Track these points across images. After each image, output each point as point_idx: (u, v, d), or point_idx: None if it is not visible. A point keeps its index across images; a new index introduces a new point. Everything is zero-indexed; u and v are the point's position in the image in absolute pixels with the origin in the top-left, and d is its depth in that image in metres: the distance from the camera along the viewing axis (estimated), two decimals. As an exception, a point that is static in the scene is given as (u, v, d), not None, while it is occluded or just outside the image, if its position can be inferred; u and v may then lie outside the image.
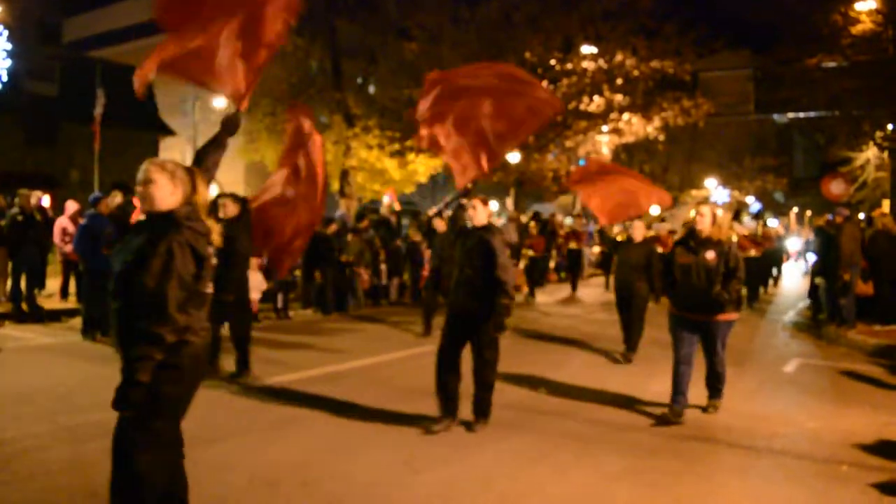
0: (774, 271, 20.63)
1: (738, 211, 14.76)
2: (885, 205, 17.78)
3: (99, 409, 6.14)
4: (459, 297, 5.80)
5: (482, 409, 5.87)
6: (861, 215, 17.99)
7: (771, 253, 17.88)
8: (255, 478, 4.66)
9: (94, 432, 5.50)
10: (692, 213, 6.23)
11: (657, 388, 7.51)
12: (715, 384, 6.65)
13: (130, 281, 3.12)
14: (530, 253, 16.21)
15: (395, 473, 4.83)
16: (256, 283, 11.71)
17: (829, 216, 12.86)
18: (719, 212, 6.39)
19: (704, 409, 6.58)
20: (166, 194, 3.27)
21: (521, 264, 16.21)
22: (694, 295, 6.17)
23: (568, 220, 20.89)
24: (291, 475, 4.73)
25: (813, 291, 13.48)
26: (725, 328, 6.34)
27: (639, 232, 9.20)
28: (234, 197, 7.68)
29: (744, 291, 13.25)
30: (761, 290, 17.42)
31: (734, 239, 15.58)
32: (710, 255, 6.09)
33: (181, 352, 3.14)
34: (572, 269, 18.15)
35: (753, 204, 42.00)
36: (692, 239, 6.28)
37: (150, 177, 3.27)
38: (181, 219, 3.22)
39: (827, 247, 11.94)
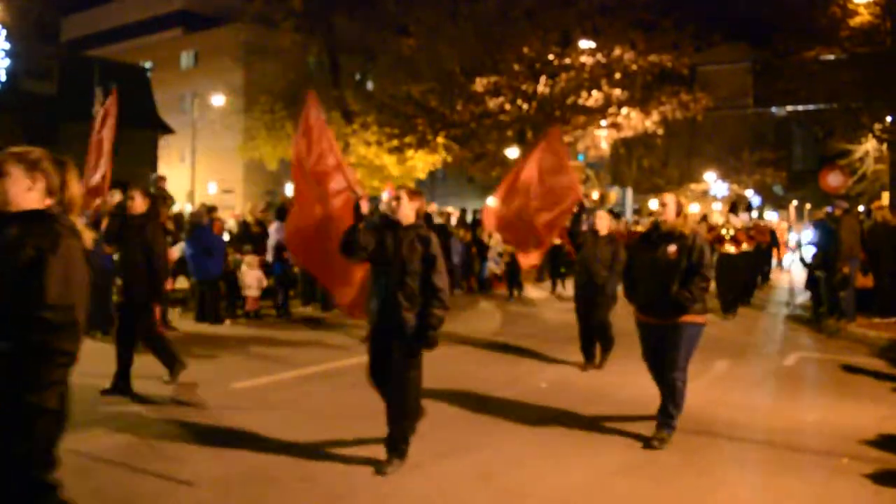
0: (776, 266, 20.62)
1: (734, 203, 14.20)
2: (885, 197, 17.79)
3: (99, 408, 6.15)
4: (387, 307, 4.84)
5: (397, 444, 4.81)
6: (860, 208, 18.02)
7: (764, 248, 17.21)
8: (254, 473, 4.67)
9: (93, 431, 5.52)
10: (658, 204, 5.61)
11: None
12: (667, 409, 5.47)
13: None
14: (510, 249, 15.40)
15: (396, 469, 4.83)
16: (256, 281, 11.74)
17: (827, 209, 12.85)
18: (699, 205, 6.06)
19: (647, 444, 5.39)
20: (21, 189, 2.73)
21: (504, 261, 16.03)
22: (653, 295, 5.42)
23: None
24: (291, 471, 4.74)
25: (813, 284, 13.48)
26: (689, 333, 5.38)
27: (603, 223, 8.06)
28: (144, 191, 7.09)
29: (720, 295, 12.66)
30: (760, 285, 17.19)
31: (704, 231, 13.45)
32: (671, 249, 5.34)
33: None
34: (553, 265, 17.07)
35: (753, 197, 42.01)
36: (654, 232, 5.61)
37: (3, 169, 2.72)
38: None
39: (826, 239, 11.94)
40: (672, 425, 5.43)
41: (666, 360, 5.42)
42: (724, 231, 12.86)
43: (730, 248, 12.73)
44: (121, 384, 6.56)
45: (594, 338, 8.15)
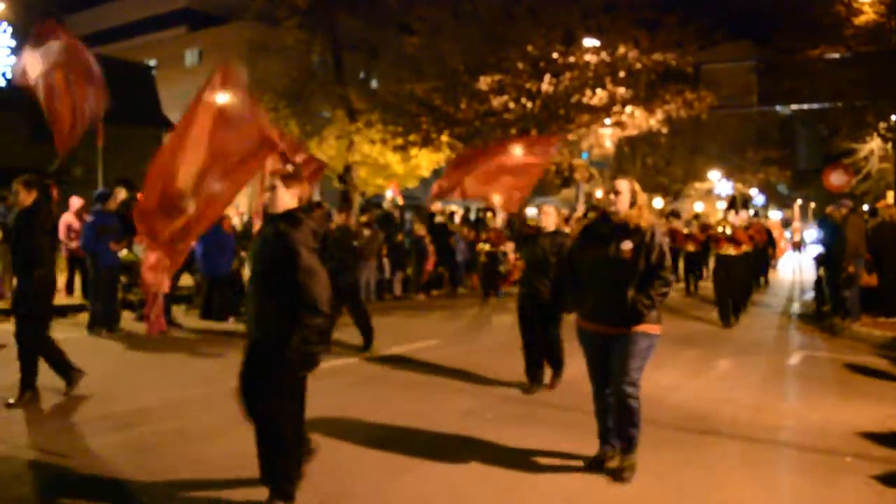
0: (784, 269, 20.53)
1: (733, 200, 13.29)
2: (889, 196, 17.77)
3: (105, 404, 6.18)
4: (251, 319, 4.21)
5: (278, 485, 4.08)
6: (865, 207, 18.00)
7: (761, 248, 16.38)
8: (255, 472, 4.69)
9: (100, 427, 5.54)
10: (608, 192, 4.72)
11: (665, 380, 7.53)
12: (627, 432, 4.69)
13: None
14: (487, 248, 14.90)
15: (398, 466, 4.85)
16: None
17: (831, 207, 12.83)
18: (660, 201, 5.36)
19: (615, 475, 4.70)
20: None
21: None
22: (602, 299, 4.62)
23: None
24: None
25: (818, 283, 13.47)
26: (644, 345, 4.62)
27: (550, 219, 6.88)
28: (26, 182, 6.25)
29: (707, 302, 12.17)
30: (758, 285, 16.94)
31: (661, 225, 12.52)
32: (626, 246, 4.54)
33: None
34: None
35: (758, 196, 41.97)
36: (604, 225, 4.72)
37: None
38: None
39: (831, 238, 11.93)
40: (636, 444, 4.70)
41: (616, 374, 4.63)
42: (720, 230, 11.79)
43: (728, 250, 11.63)
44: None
45: (541, 357, 7.02)
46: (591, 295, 4.69)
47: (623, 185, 4.67)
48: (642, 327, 4.59)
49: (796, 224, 28.22)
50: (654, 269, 4.55)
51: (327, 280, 3.85)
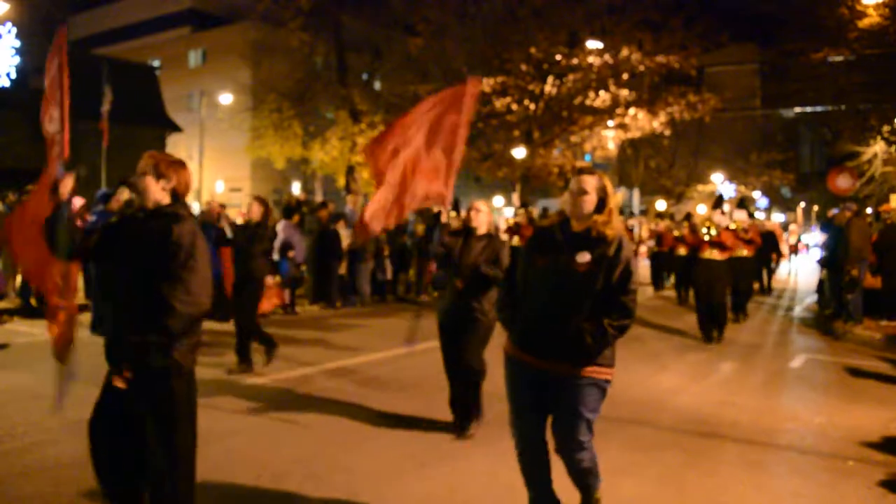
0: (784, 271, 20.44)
1: (719, 198, 11.40)
2: (893, 199, 17.73)
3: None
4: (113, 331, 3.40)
5: None
6: (868, 210, 17.97)
7: (761, 252, 14.87)
8: (262, 471, 4.69)
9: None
10: (573, 188, 3.60)
11: (667, 383, 7.54)
12: (585, 482, 3.73)
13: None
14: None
15: (401, 467, 4.85)
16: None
17: (833, 210, 12.79)
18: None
19: None
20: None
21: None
22: (542, 324, 3.52)
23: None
24: (298, 469, 4.76)
25: (820, 286, 13.47)
26: (588, 395, 3.52)
27: (482, 217, 5.77)
28: None
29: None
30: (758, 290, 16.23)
31: (640, 232, 12.21)
32: (582, 258, 3.47)
33: None
34: None
35: (760, 199, 41.92)
36: (560, 231, 3.61)
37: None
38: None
39: (835, 241, 11.92)
40: (598, 485, 3.76)
41: (560, 435, 3.58)
42: (703, 231, 10.39)
43: (712, 254, 10.22)
44: None
45: (464, 388, 5.75)
46: (532, 316, 3.56)
47: (590, 182, 3.54)
48: (592, 370, 3.49)
49: (793, 227, 28.09)
50: (615, 292, 3.43)
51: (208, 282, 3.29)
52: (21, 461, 4.76)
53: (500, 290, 3.96)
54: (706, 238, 10.26)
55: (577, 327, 3.42)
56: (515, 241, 15.20)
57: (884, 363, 9.08)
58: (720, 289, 10.27)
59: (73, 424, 5.58)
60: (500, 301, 3.86)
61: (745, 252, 11.94)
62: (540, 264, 3.58)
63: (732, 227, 11.28)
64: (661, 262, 17.64)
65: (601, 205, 3.52)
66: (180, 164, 3.52)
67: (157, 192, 3.41)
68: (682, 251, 14.74)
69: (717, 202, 11.30)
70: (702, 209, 28.58)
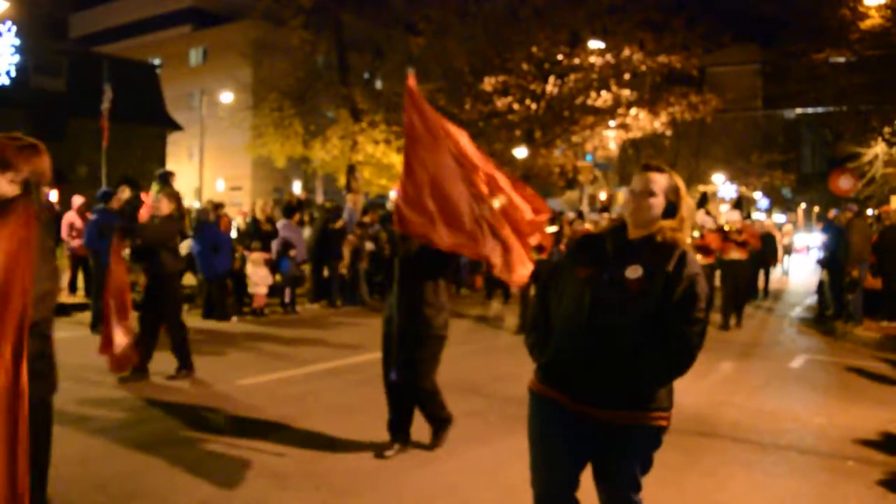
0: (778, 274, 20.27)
1: (703, 196, 10.34)
2: (893, 200, 17.74)
3: (107, 403, 6.19)
4: None
5: None
6: (869, 211, 17.97)
7: (758, 255, 14.31)
8: (262, 470, 4.69)
9: (101, 426, 5.55)
10: (635, 186, 2.89)
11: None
12: None
13: None
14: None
15: (402, 465, 4.85)
16: (263, 278, 11.77)
17: (833, 211, 12.77)
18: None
19: None
20: None
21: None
22: (582, 357, 2.79)
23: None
24: (299, 467, 4.76)
25: (820, 287, 13.46)
26: (643, 443, 2.86)
27: None
28: None
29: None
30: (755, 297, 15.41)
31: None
32: (633, 273, 2.76)
33: None
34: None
35: (761, 200, 41.91)
36: (613, 238, 2.91)
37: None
38: None
39: (835, 242, 11.91)
40: None
41: (612, 476, 2.91)
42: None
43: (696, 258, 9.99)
44: None
45: (409, 409, 5.16)
46: (563, 346, 2.83)
47: (658, 181, 2.84)
48: (639, 415, 2.76)
49: (788, 227, 27.90)
50: (674, 318, 2.70)
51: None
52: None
53: (532, 311, 3.12)
54: (687, 241, 9.58)
55: (624, 361, 2.69)
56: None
57: (883, 364, 9.08)
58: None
59: (71, 423, 5.59)
60: (530, 323, 3.11)
61: (736, 254, 11.38)
62: (581, 277, 2.83)
63: (726, 227, 10.85)
64: None
65: (671, 210, 2.82)
66: (32, 150, 2.86)
67: (2, 186, 2.75)
68: None
69: (701, 201, 10.58)
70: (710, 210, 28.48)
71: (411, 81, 4.84)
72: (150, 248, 7.09)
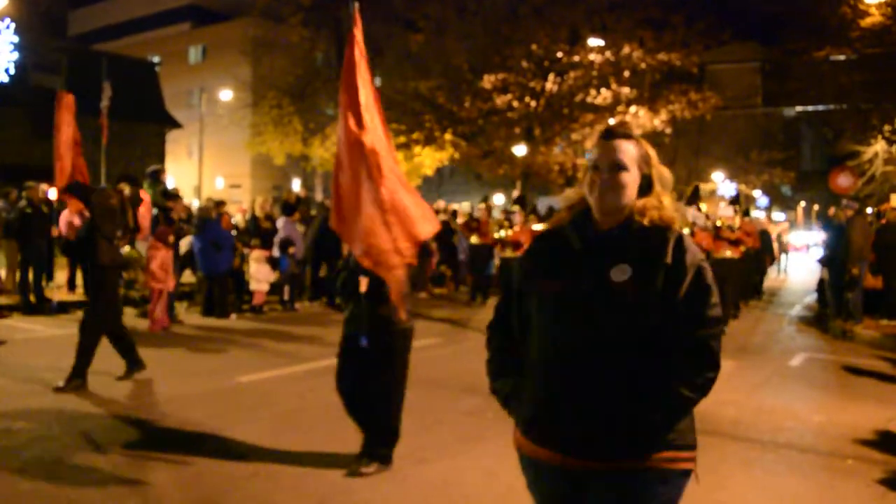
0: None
1: (695, 190, 9.59)
2: (894, 199, 17.72)
3: (108, 400, 6.18)
4: None
5: None
6: (869, 209, 17.96)
7: (755, 254, 13.79)
8: (260, 467, 4.69)
9: (101, 422, 5.55)
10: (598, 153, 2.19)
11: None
12: None
13: None
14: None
15: (401, 464, 4.84)
16: (264, 275, 11.77)
17: (835, 209, 12.74)
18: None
19: None
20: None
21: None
22: (571, 398, 2.10)
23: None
24: (296, 465, 4.76)
25: (820, 285, 13.45)
26: (663, 491, 2.30)
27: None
28: None
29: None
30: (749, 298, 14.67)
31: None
32: (619, 274, 2.07)
33: None
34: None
35: (761, 198, 41.89)
36: (578, 232, 2.20)
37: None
38: None
39: (836, 240, 11.90)
40: None
41: None
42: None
43: None
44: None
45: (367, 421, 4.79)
46: (543, 386, 2.15)
47: (626, 150, 2.15)
48: (658, 457, 2.19)
49: (784, 224, 27.79)
50: (684, 323, 2.07)
51: None
52: (20, 457, 4.75)
53: (492, 343, 2.38)
54: None
55: (628, 395, 2.03)
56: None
57: (883, 362, 9.07)
58: None
59: (71, 420, 5.58)
60: (491, 363, 2.38)
61: (728, 253, 10.85)
62: (548, 293, 2.13)
63: (718, 224, 10.55)
64: None
65: (645, 185, 2.15)
66: None
67: None
68: None
69: (692, 197, 9.79)
70: (702, 207, 28.50)
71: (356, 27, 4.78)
72: (87, 240, 6.65)
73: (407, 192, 4.62)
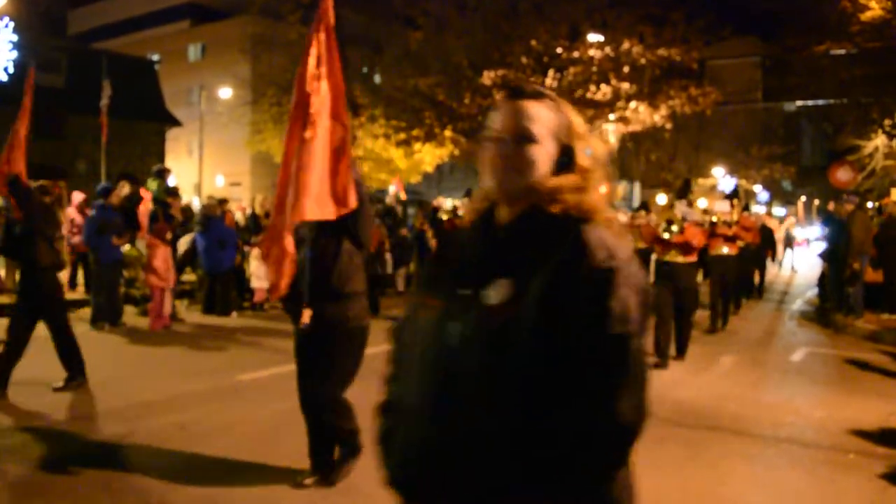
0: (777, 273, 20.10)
1: (685, 184, 9.23)
2: (894, 193, 17.70)
3: (108, 398, 6.19)
4: None
5: None
6: (869, 204, 17.96)
7: (754, 251, 13.32)
8: (262, 465, 4.69)
9: (102, 420, 5.55)
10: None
11: (668, 376, 7.53)
12: None
13: None
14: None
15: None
16: (264, 273, 11.77)
17: (835, 203, 12.73)
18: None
19: None
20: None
21: None
22: (432, 462, 1.48)
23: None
24: (298, 462, 4.76)
25: (821, 279, 13.45)
26: None
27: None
28: None
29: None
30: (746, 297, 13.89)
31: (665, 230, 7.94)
32: (497, 294, 1.41)
33: None
34: None
35: (762, 193, 41.89)
36: (485, 232, 1.58)
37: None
38: None
39: (836, 234, 11.90)
40: None
41: None
42: (662, 227, 8.30)
43: (675, 256, 8.23)
44: None
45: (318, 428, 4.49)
46: (408, 440, 1.57)
47: (541, 114, 1.56)
48: None
49: (792, 219, 27.72)
50: (579, 373, 1.37)
51: None
52: (24, 456, 4.76)
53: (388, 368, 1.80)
54: (665, 236, 8.18)
55: (501, 461, 1.40)
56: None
57: (884, 356, 9.08)
58: (689, 299, 8.37)
59: (73, 419, 5.59)
60: (384, 395, 1.76)
61: (724, 249, 10.52)
62: (426, 317, 1.57)
63: (713, 220, 10.27)
64: (642, 260, 16.79)
65: (565, 162, 1.55)
66: None
67: None
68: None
69: (683, 190, 9.27)
70: (702, 203, 28.61)
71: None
72: (23, 239, 6.30)
73: (328, 166, 4.24)
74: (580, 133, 1.59)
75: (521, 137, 1.53)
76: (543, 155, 1.54)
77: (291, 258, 4.12)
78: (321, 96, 4.23)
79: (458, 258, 1.60)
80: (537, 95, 1.58)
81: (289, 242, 4.10)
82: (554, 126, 1.56)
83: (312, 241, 4.20)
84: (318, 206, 4.11)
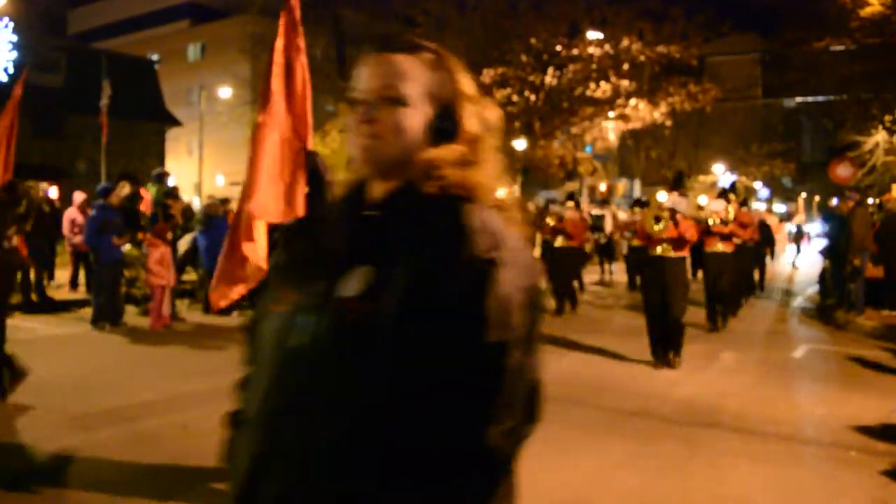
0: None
1: (678, 175, 8.86)
2: (894, 189, 17.70)
3: (109, 398, 6.19)
4: None
5: None
6: (870, 200, 17.95)
7: (753, 248, 12.99)
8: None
9: (104, 422, 5.55)
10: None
11: (669, 374, 7.53)
12: None
13: None
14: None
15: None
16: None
17: (834, 200, 12.73)
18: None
19: None
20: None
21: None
22: (265, 481, 1.21)
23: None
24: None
25: (822, 276, 13.45)
26: None
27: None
28: None
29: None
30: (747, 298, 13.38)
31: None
32: (352, 286, 1.17)
33: None
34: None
35: (762, 189, 41.86)
36: (351, 210, 1.32)
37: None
38: None
39: (837, 231, 11.89)
40: None
41: None
42: (653, 224, 7.95)
43: (667, 251, 7.90)
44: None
45: None
46: (239, 454, 1.33)
47: (413, 69, 1.29)
48: None
49: (801, 215, 27.68)
50: (443, 391, 1.14)
51: None
52: (21, 457, 4.76)
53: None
54: (657, 230, 7.86)
55: (350, 487, 1.15)
56: None
57: (885, 353, 9.06)
58: (678, 295, 7.93)
59: (73, 420, 5.59)
60: (230, 414, 1.57)
61: (720, 247, 10.18)
62: (275, 313, 1.34)
63: (709, 220, 10.12)
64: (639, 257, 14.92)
65: (448, 126, 1.30)
66: None
67: None
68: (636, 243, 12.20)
69: (676, 182, 8.84)
70: (703, 200, 28.61)
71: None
72: None
73: (282, 168, 4.31)
74: (467, 94, 1.31)
75: (388, 99, 1.27)
76: (416, 121, 1.27)
77: (255, 266, 4.10)
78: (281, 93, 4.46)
79: (317, 242, 1.33)
80: (411, 48, 1.32)
81: (251, 249, 4.13)
82: (432, 85, 1.29)
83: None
84: (268, 206, 4.29)
